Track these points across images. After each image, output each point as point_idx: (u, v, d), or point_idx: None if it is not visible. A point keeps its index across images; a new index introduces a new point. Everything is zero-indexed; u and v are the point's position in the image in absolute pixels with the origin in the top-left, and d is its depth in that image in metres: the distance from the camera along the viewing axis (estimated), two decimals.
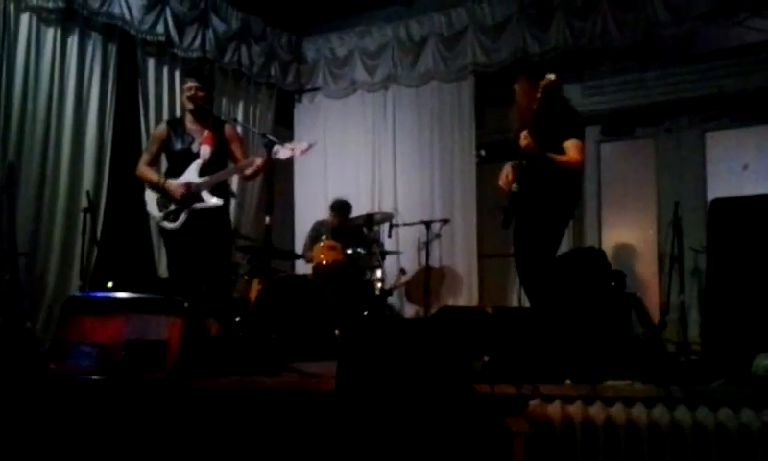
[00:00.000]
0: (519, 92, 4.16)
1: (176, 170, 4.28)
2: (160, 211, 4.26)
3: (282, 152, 4.11)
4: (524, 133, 3.94)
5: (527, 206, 3.96)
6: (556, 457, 2.71)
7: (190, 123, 4.33)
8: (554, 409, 2.76)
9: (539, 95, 3.82)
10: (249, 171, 4.25)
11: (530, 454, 2.69)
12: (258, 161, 4.17)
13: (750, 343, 3.25)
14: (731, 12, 5.30)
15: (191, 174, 4.22)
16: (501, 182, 4.14)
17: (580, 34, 5.87)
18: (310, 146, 4.29)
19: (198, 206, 4.20)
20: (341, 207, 6.19)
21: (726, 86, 5.79)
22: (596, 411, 2.74)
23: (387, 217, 6.26)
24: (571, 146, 3.88)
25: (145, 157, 4.39)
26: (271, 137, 4.16)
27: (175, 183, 4.21)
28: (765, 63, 5.62)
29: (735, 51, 5.73)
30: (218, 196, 4.24)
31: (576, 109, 4.18)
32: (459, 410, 2.72)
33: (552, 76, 3.80)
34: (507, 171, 4.15)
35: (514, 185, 3.97)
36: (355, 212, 6.32)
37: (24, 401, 3.28)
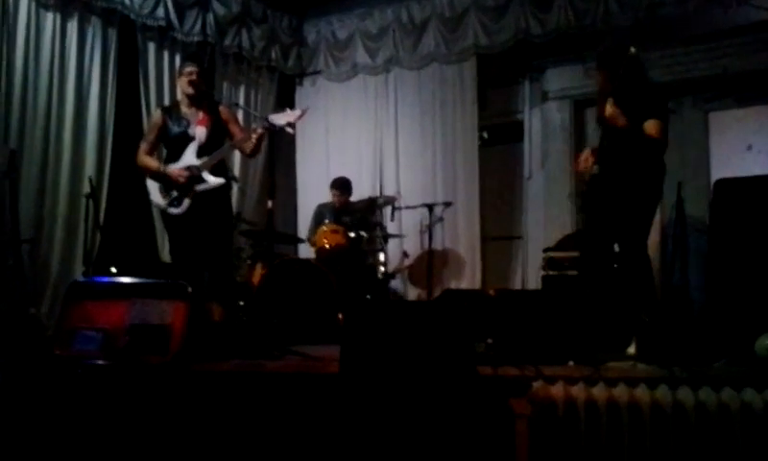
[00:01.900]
0: (600, 81, 4.11)
1: (174, 155, 4.28)
2: (164, 199, 4.25)
3: (278, 121, 4.10)
4: (610, 101, 3.84)
5: (611, 188, 3.86)
6: (559, 438, 2.73)
7: (185, 107, 4.33)
8: (557, 390, 2.77)
9: (621, 71, 3.78)
10: (248, 146, 4.23)
11: (533, 435, 2.70)
12: (256, 134, 4.16)
13: (752, 323, 3.25)
14: None
15: (189, 156, 4.21)
16: (579, 167, 4.07)
17: (582, 14, 5.83)
18: (304, 111, 4.28)
19: (200, 187, 4.20)
20: (342, 185, 6.17)
21: (730, 66, 5.74)
22: (599, 392, 2.75)
23: (389, 200, 6.26)
24: (650, 126, 3.79)
25: (144, 147, 4.38)
26: (266, 116, 4.17)
27: (176, 169, 4.21)
28: (766, 43, 5.57)
29: (739, 30, 5.67)
30: (218, 176, 4.24)
31: (657, 86, 4.06)
32: (462, 392, 2.73)
33: (633, 49, 3.76)
34: (586, 155, 4.05)
35: (595, 167, 3.89)
36: (357, 196, 6.32)
37: (29, 387, 3.30)
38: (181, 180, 4.18)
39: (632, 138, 3.81)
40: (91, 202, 5.02)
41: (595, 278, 3.90)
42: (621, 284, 3.75)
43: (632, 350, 3.35)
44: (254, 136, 4.17)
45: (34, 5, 5.19)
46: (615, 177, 3.85)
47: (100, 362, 3.33)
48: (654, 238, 6.10)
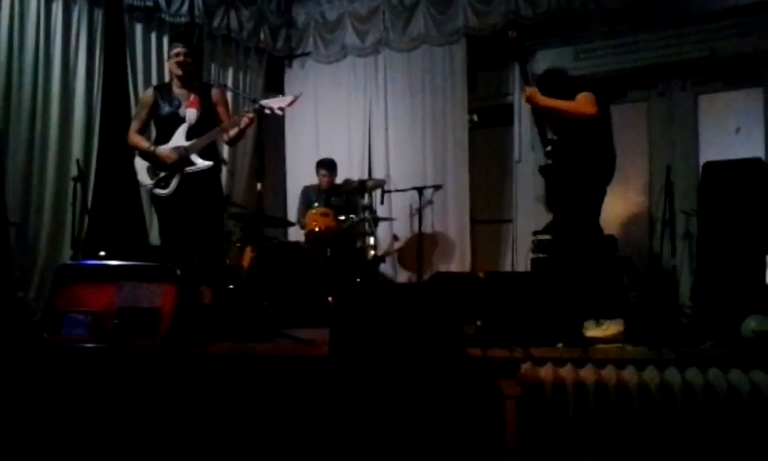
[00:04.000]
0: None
1: (164, 135, 4.25)
2: (151, 179, 4.23)
3: (269, 105, 4.08)
4: (524, 89, 3.98)
5: (562, 177, 3.95)
6: (547, 419, 2.75)
7: (177, 88, 4.30)
8: (545, 372, 2.79)
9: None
10: (233, 131, 4.22)
11: (522, 416, 2.72)
12: (245, 119, 4.14)
13: (739, 305, 3.28)
14: None
15: (179, 138, 4.19)
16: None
17: None
18: (296, 98, 4.26)
19: (188, 169, 4.18)
20: (329, 164, 6.19)
21: (718, 49, 5.74)
22: (587, 373, 2.77)
23: (379, 183, 6.25)
24: (581, 98, 3.86)
25: (135, 125, 4.35)
26: (256, 97, 4.15)
27: (165, 149, 4.18)
28: (757, 25, 5.57)
29: (728, 13, 5.67)
30: (207, 159, 4.22)
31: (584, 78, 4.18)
32: (451, 374, 2.74)
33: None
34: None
35: (546, 155, 3.98)
36: (347, 178, 6.31)
37: (18, 371, 3.29)
38: (170, 160, 4.15)
39: (567, 121, 3.90)
40: (79, 185, 4.98)
41: (570, 263, 3.95)
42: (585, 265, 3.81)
43: (601, 331, 3.37)
44: (244, 121, 4.15)
45: None
46: (565, 164, 3.94)
47: (89, 345, 3.32)
48: (642, 222, 6.17)
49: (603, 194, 3.94)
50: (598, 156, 3.89)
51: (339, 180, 6.29)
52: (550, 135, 4.01)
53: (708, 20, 5.77)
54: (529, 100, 3.95)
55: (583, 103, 3.82)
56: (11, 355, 3.34)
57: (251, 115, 4.12)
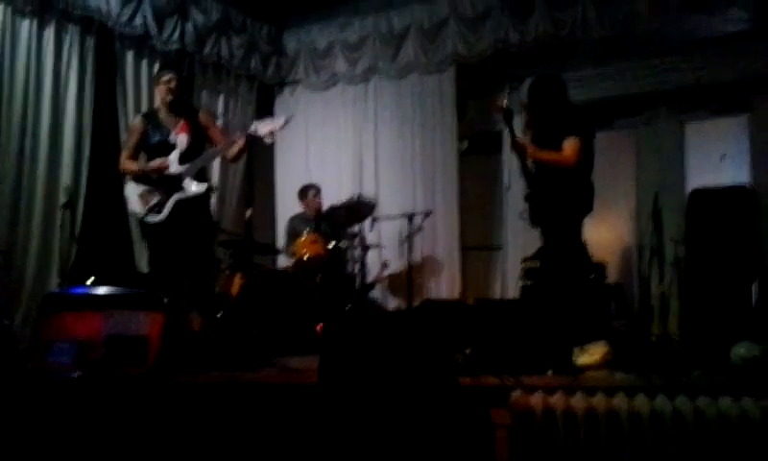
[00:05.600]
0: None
1: None
2: (144, 207, 4.21)
3: (261, 129, 4.10)
4: (522, 139, 4.11)
5: (541, 207, 4.05)
6: (538, 447, 2.73)
7: (164, 115, 4.31)
8: (536, 400, 2.78)
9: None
10: (231, 153, 4.24)
11: (513, 445, 2.71)
12: (240, 141, 4.16)
13: (728, 332, 3.29)
14: (709, 5, 5.35)
15: (172, 164, 4.19)
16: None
17: (560, 25, 5.88)
18: (288, 119, 4.29)
19: (180, 195, 4.17)
20: (315, 185, 6.25)
21: (703, 77, 5.83)
22: (577, 401, 2.76)
23: (369, 210, 6.25)
24: (566, 145, 3.93)
25: (126, 153, 4.35)
26: (247, 126, 4.19)
27: (156, 161, 4.18)
28: (742, 53, 5.67)
29: (713, 41, 5.77)
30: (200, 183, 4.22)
31: (576, 106, 4.22)
32: (442, 402, 2.73)
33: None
34: None
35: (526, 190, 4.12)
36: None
37: (4, 402, 3.24)
38: (163, 168, 4.13)
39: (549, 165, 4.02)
40: (68, 212, 4.95)
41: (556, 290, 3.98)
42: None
43: (588, 357, 3.38)
44: (236, 147, 4.17)
45: (9, 11, 5.11)
46: (542, 195, 4.04)
47: (76, 374, 3.28)
48: (630, 249, 6.20)
49: (580, 225, 4.00)
50: (575, 190, 3.96)
51: (326, 206, 6.30)
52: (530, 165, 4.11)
53: (693, 49, 5.86)
54: (520, 153, 4.06)
55: (567, 153, 3.91)
56: None
57: (242, 142, 4.14)
